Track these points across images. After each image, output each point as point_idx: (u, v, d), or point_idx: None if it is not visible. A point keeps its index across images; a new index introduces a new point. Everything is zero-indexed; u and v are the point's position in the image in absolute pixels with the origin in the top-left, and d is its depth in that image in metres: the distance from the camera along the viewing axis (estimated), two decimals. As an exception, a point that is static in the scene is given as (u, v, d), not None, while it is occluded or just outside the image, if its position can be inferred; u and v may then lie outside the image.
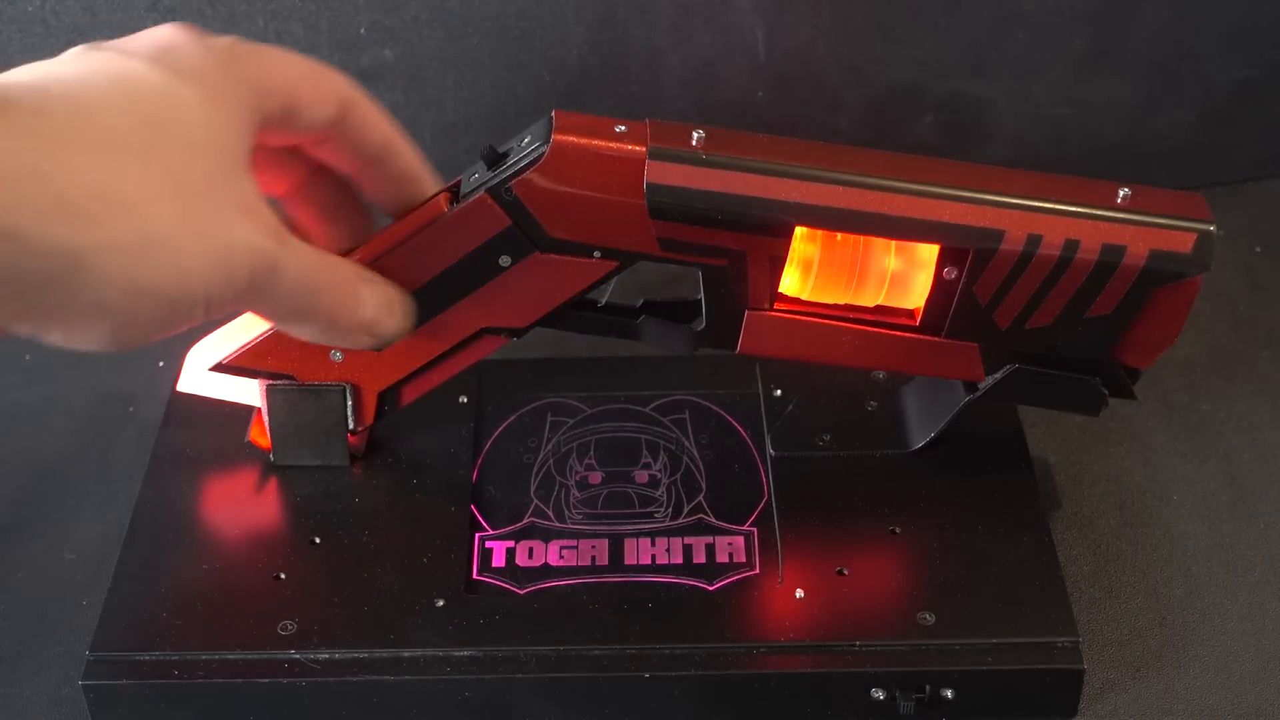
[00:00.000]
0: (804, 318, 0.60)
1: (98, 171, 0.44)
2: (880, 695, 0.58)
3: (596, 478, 0.66)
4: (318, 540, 0.63)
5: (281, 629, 0.59)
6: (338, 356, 0.62)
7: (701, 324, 0.61)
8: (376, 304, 0.56)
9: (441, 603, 0.60)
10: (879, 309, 0.61)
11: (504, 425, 0.69)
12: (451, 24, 0.80)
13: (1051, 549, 0.62)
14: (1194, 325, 0.79)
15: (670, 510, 0.65)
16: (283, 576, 0.61)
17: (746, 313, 0.60)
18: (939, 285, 0.59)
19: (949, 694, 0.58)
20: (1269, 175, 0.90)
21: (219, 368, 0.62)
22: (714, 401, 0.70)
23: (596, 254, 0.59)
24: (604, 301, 0.62)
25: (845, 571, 0.61)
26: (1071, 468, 0.70)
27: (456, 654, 0.58)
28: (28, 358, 0.79)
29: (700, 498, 0.65)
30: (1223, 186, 0.89)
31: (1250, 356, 0.77)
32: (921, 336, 0.61)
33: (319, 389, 0.64)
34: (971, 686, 0.58)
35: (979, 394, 0.63)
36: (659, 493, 0.65)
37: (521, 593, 0.61)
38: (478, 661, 0.58)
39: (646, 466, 0.67)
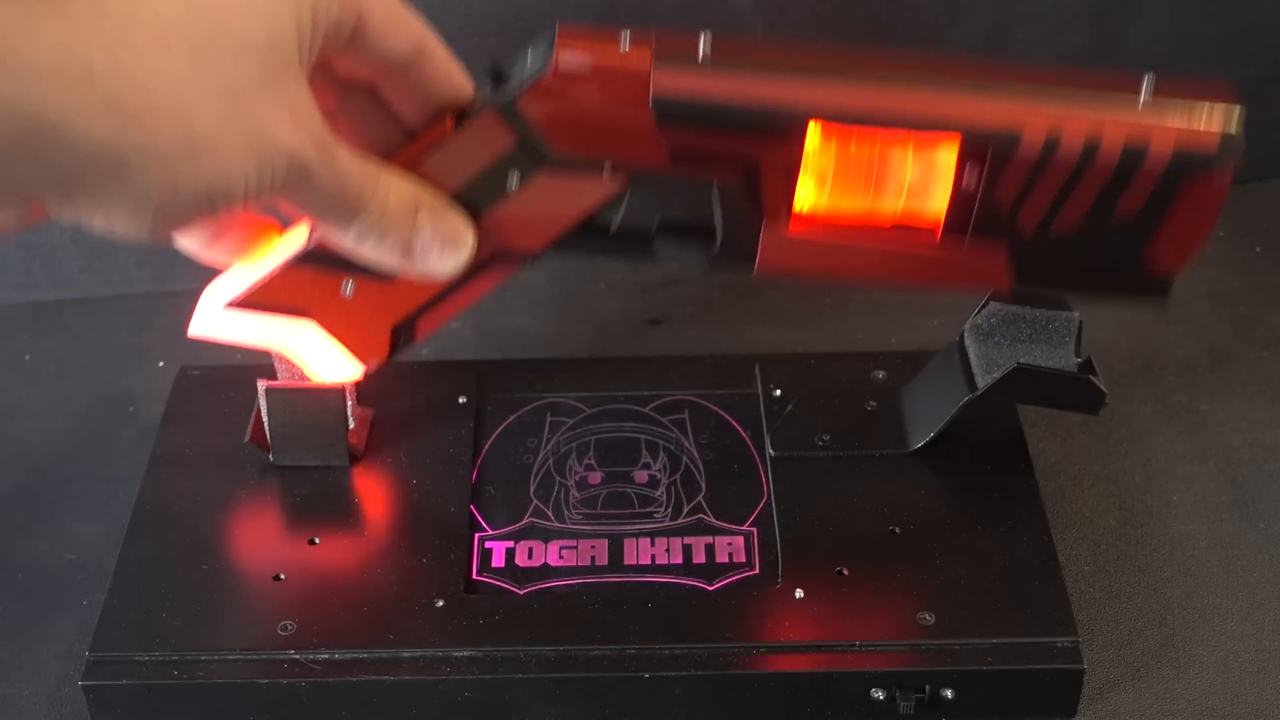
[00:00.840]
0: (822, 232, 0.58)
1: (149, 71, 0.45)
2: (880, 695, 0.58)
3: (596, 478, 0.66)
4: (317, 540, 0.63)
5: (281, 629, 0.59)
6: (349, 290, 0.60)
7: (718, 243, 0.59)
8: (432, 216, 0.55)
9: (441, 603, 0.60)
10: (899, 226, 0.59)
11: (504, 425, 0.69)
12: (452, 24, 0.79)
13: (1051, 549, 0.62)
14: (1194, 325, 0.79)
15: (670, 510, 0.65)
16: (282, 576, 0.61)
17: (763, 229, 0.58)
18: (959, 195, 0.57)
19: (949, 694, 0.58)
20: (1269, 175, 0.89)
21: (233, 305, 0.60)
22: (714, 401, 0.70)
23: (606, 171, 0.57)
24: (615, 228, 0.60)
25: (845, 571, 0.61)
26: (1071, 468, 0.70)
27: (456, 654, 0.58)
28: (28, 358, 0.79)
29: (700, 498, 0.65)
30: (1223, 186, 0.89)
31: (1250, 356, 0.77)
32: (944, 248, 0.58)
33: (319, 389, 0.64)
34: (971, 686, 0.58)
35: (979, 394, 0.63)
36: (659, 493, 0.65)
37: (521, 593, 0.61)
38: (477, 662, 0.58)
39: (646, 466, 0.67)
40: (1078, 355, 0.65)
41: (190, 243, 0.58)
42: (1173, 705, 0.60)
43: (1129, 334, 0.79)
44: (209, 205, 0.47)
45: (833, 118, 0.56)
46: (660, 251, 0.61)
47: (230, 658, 0.58)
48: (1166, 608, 0.64)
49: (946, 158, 0.56)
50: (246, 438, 0.66)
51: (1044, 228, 0.57)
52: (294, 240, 0.59)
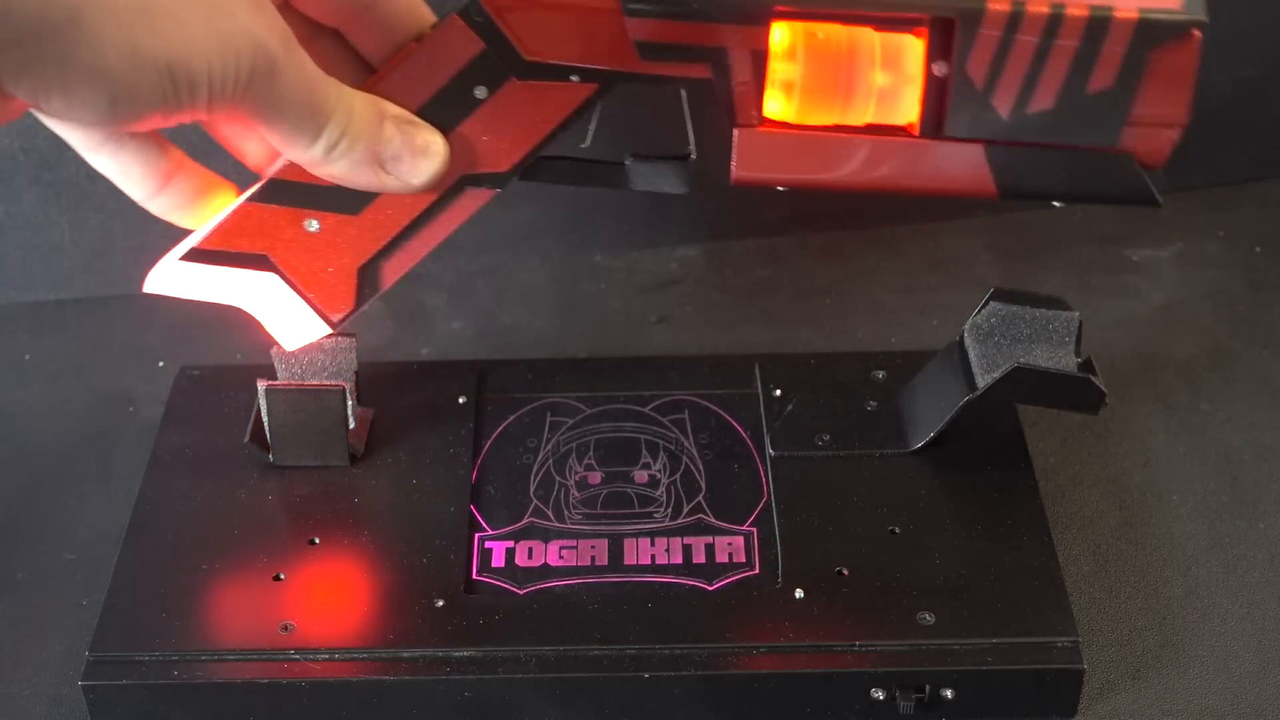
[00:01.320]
0: (797, 132, 0.58)
1: None
2: (880, 695, 0.58)
3: (596, 478, 0.66)
4: (317, 540, 0.63)
5: (281, 629, 0.59)
6: (313, 226, 0.58)
7: (691, 152, 0.58)
8: (400, 126, 0.54)
9: (441, 603, 0.60)
10: (873, 126, 0.58)
11: (503, 425, 0.69)
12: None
13: (1051, 549, 0.62)
14: (1194, 326, 0.79)
15: (670, 510, 0.65)
16: (282, 576, 0.61)
17: (736, 131, 0.57)
18: (931, 87, 0.56)
19: (949, 694, 0.58)
20: (1269, 175, 0.89)
21: (191, 255, 0.58)
22: (713, 401, 0.70)
23: (574, 77, 0.56)
24: (588, 142, 0.59)
25: (845, 571, 0.61)
26: (1071, 468, 0.70)
27: (456, 654, 0.58)
28: (27, 358, 0.79)
29: (700, 498, 0.65)
30: (1223, 186, 0.89)
31: (1250, 356, 0.77)
32: (923, 141, 0.57)
33: (318, 389, 0.64)
34: (971, 686, 0.58)
35: (979, 394, 0.63)
36: (658, 493, 0.65)
37: (521, 593, 0.61)
38: (477, 661, 0.58)
39: (646, 466, 0.67)
40: (1078, 355, 0.65)
41: (140, 185, 0.57)
42: (1173, 705, 0.60)
43: (1129, 334, 0.79)
44: (171, 84, 0.46)
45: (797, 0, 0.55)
46: (635, 175, 0.60)
47: (230, 658, 0.58)
48: (1166, 608, 0.64)
49: (914, 52, 0.56)
50: (246, 438, 0.66)
51: (1019, 114, 0.56)
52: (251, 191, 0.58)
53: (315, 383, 0.65)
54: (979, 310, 0.66)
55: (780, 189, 0.59)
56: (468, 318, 0.81)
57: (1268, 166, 0.89)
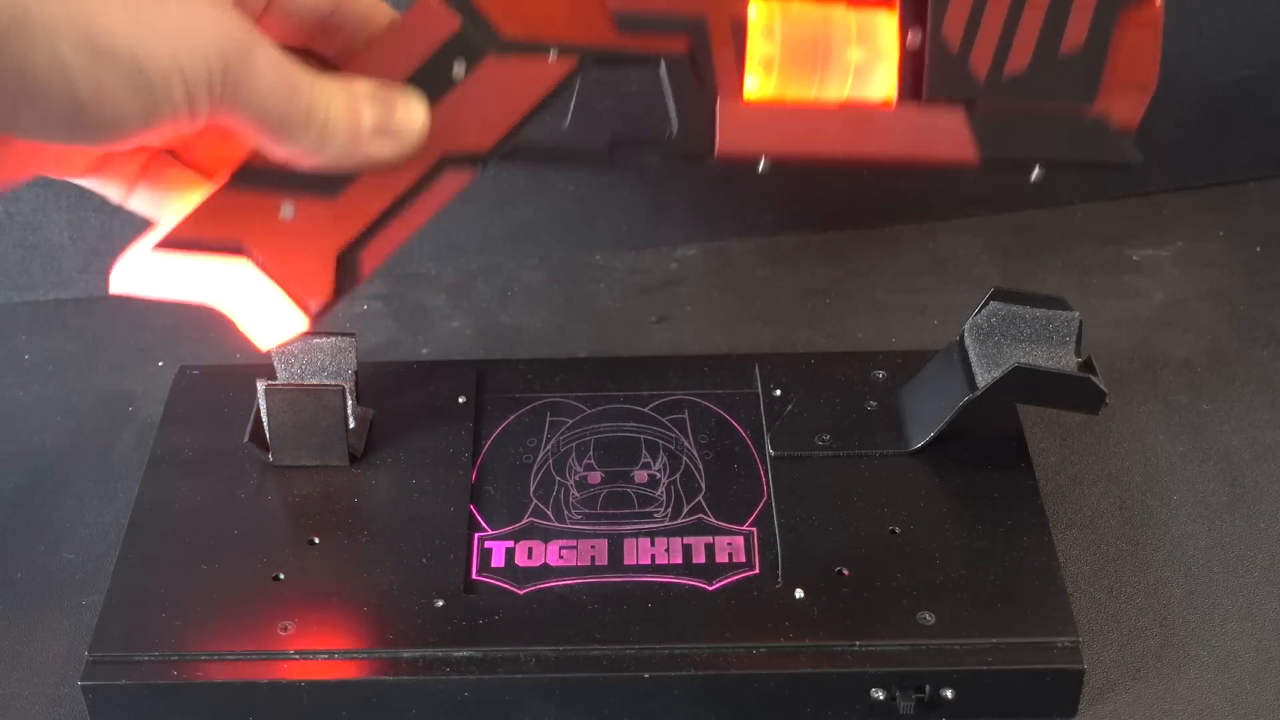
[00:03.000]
0: (779, 104, 0.57)
1: None
2: (880, 695, 0.58)
3: (596, 478, 0.66)
4: (317, 540, 0.63)
5: (281, 629, 0.59)
6: (288, 213, 0.55)
7: (674, 128, 0.57)
8: (375, 99, 0.53)
9: (441, 603, 0.60)
10: (851, 101, 0.58)
11: (503, 425, 0.69)
12: None
13: (1051, 549, 0.62)
14: (1194, 325, 0.79)
15: (670, 510, 0.65)
16: (282, 577, 0.61)
17: (718, 104, 0.57)
18: (907, 59, 0.57)
19: (949, 694, 0.58)
20: (1270, 175, 0.90)
21: (162, 244, 0.54)
22: (713, 401, 0.70)
23: (553, 53, 0.56)
24: (568, 122, 0.58)
25: (845, 571, 0.61)
26: (1071, 468, 0.70)
27: (456, 654, 0.58)
28: (27, 358, 0.79)
29: (700, 498, 0.65)
30: (1223, 186, 0.89)
31: (1250, 356, 0.77)
32: (906, 107, 0.57)
33: (318, 389, 0.64)
34: (971, 686, 0.58)
35: (979, 393, 0.63)
36: (658, 493, 0.65)
37: (521, 593, 0.61)
38: (477, 662, 0.58)
39: (646, 466, 0.67)
40: (1078, 355, 0.65)
41: (114, 185, 0.55)
42: (1173, 705, 0.60)
43: (1129, 334, 0.79)
44: (144, 80, 0.45)
45: None
46: (618, 155, 0.59)
47: (230, 658, 0.58)
48: (1167, 608, 0.64)
49: (888, 27, 0.57)
50: (246, 437, 0.66)
51: (995, 76, 0.57)
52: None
53: (315, 382, 0.65)
54: (979, 310, 0.66)
55: (761, 169, 0.58)
56: (468, 317, 0.81)
57: (1268, 166, 0.89)
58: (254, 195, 0.55)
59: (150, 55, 0.45)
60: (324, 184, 0.55)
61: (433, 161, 0.56)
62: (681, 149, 0.58)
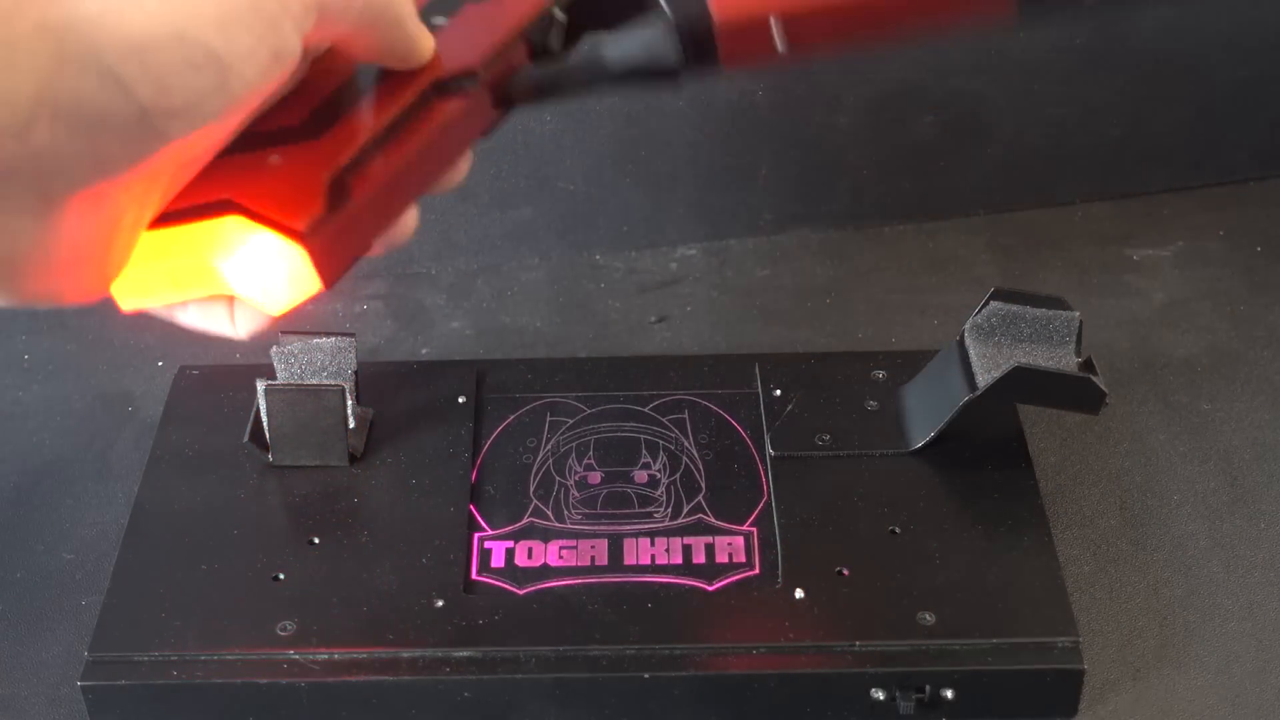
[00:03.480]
0: None
1: None
2: (880, 695, 0.58)
3: (596, 478, 0.66)
4: (316, 540, 0.63)
5: (280, 629, 0.59)
6: (275, 159, 0.54)
7: (673, 28, 0.53)
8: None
9: (440, 603, 0.60)
10: None
11: (503, 425, 0.69)
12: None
13: (1051, 549, 0.62)
14: (1194, 325, 0.79)
15: (670, 510, 0.65)
16: (282, 577, 0.61)
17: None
18: None
19: (949, 694, 0.58)
20: (1270, 175, 0.89)
21: (157, 222, 0.53)
22: (713, 401, 0.70)
23: None
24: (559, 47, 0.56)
25: (845, 571, 0.61)
26: (1071, 468, 0.70)
27: (455, 654, 0.58)
28: (27, 358, 0.79)
29: (700, 498, 0.65)
30: (1223, 186, 0.89)
31: (1250, 356, 0.77)
32: None
33: (318, 389, 0.64)
34: (971, 686, 0.58)
35: (979, 394, 0.63)
36: (658, 493, 0.65)
37: (521, 593, 0.61)
38: (477, 662, 0.58)
39: (646, 466, 0.67)
40: (1078, 355, 0.65)
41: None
42: (1173, 705, 0.60)
43: (1129, 334, 0.79)
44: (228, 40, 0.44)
45: None
46: (619, 80, 0.55)
47: (230, 658, 0.58)
48: (1167, 608, 0.64)
49: None
50: (245, 437, 0.66)
51: None
52: None
53: (314, 382, 0.65)
54: (979, 310, 0.66)
55: (779, 44, 0.53)
56: (468, 317, 0.81)
57: (1268, 166, 0.89)
58: (239, 156, 0.53)
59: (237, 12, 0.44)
60: (306, 131, 0.54)
61: (423, 85, 0.54)
62: (684, 57, 0.53)
